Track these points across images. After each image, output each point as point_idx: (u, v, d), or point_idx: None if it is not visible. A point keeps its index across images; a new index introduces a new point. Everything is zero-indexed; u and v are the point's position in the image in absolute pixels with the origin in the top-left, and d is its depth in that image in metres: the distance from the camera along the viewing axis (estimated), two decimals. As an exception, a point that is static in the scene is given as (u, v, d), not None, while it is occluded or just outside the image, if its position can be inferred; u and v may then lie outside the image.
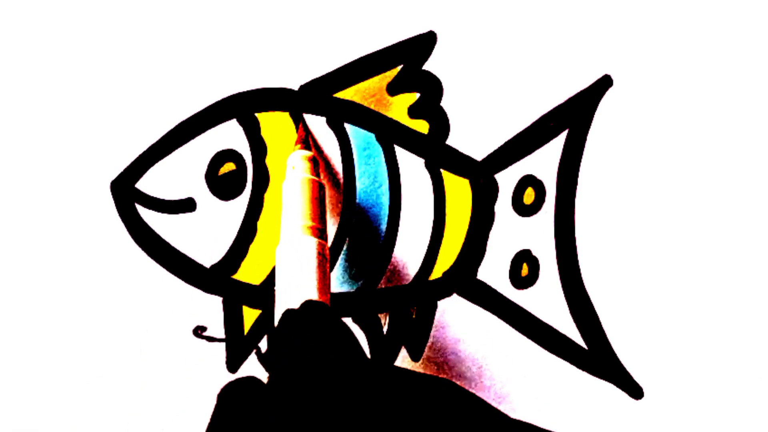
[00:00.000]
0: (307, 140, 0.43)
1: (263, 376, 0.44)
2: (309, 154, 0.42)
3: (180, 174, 0.43)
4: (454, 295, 0.46)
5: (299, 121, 0.44)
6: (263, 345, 0.43)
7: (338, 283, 0.45)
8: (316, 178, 0.41)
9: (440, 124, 0.46)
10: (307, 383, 0.30)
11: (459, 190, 0.46)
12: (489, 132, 0.46)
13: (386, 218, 0.45)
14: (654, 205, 0.48)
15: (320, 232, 0.40)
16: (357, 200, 0.45)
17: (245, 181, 0.44)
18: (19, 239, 0.43)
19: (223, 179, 0.44)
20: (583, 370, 0.47)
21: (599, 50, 0.47)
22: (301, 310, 0.36)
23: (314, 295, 0.37)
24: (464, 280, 0.46)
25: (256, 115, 0.44)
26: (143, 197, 0.43)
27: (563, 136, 0.47)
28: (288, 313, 0.36)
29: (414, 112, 0.46)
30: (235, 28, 0.44)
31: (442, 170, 0.46)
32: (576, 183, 0.47)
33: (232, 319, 0.44)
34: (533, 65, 0.46)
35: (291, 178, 0.41)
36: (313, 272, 0.38)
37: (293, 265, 0.38)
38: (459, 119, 0.46)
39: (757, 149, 0.48)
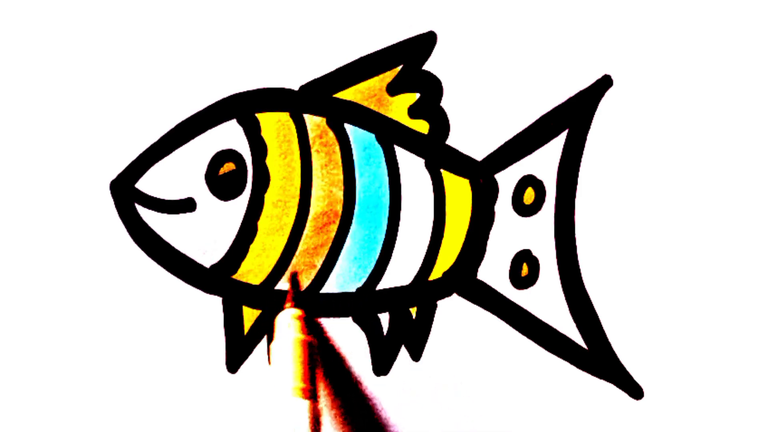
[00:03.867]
0: (297, 297, 0.44)
1: (263, 376, 0.44)
2: (299, 313, 0.43)
3: (180, 174, 0.43)
4: (454, 295, 0.46)
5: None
6: None
7: (339, 282, 0.45)
8: (307, 338, 0.42)
9: (440, 124, 0.46)
10: None
11: (459, 190, 0.46)
12: (489, 132, 0.46)
13: (386, 218, 0.45)
14: (654, 205, 0.48)
15: (311, 393, 0.41)
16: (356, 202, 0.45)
17: (245, 181, 0.44)
18: (19, 239, 0.43)
19: (223, 179, 0.44)
20: (583, 370, 0.47)
21: (599, 50, 0.47)
22: None
23: None
24: (464, 280, 0.46)
25: (256, 115, 0.44)
26: (143, 197, 0.43)
27: (563, 136, 0.47)
28: None
29: (414, 112, 0.46)
30: (235, 28, 0.44)
31: (442, 170, 0.46)
32: (576, 183, 0.47)
33: (232, 319, 0.44)
34: (533, 65, 0.46)
35: (282, 338, 0.42)
36: None
37: (286, 430, 0.40)
38: (459, 119, 0.46)
39: (757, 149, 0.48)
